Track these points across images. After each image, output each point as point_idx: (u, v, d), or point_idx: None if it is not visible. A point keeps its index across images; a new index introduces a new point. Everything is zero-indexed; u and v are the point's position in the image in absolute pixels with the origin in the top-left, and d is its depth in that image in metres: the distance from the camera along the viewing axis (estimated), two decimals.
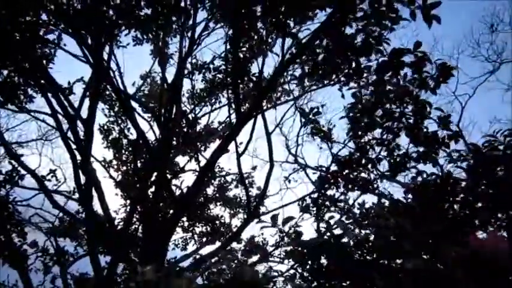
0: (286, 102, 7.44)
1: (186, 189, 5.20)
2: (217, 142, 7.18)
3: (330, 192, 5.47)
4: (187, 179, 5.69)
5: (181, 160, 7.44)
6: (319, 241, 2.02)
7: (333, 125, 5.12)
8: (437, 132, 3.78)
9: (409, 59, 3.41)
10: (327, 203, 5.57)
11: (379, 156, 4.46)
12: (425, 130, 3.77)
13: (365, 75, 3.69)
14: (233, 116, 5.91)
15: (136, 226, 6.20)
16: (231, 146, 4.87)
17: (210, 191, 7.72)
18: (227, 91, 5.09)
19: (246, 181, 7.41)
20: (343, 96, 4.06)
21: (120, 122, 6.98)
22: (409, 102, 3.66)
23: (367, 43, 3.41)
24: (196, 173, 7.23)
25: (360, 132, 4.04)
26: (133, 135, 6.83)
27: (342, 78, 3.95)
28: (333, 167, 5.01)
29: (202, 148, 7.04)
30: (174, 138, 6.03)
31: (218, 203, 7.83)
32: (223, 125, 7.32)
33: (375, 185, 5.02)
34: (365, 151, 4.29)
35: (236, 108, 4.50)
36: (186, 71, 5.95)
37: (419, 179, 3.32)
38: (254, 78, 4.91)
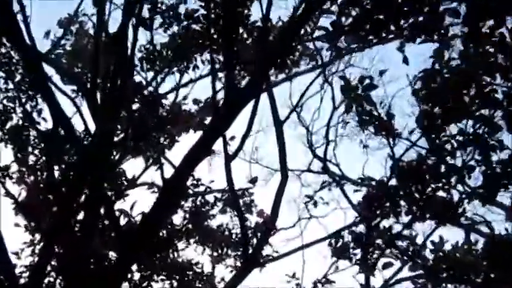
0: (310, 71, 7.53)
1: (140, 216, 5.24)
2: (193, 136, 7.27)
3: (384, 224, 5.54)
4: (141, 199, 5.71)
5: (131, 167, 7.50)
6: None
7: (389, 108, 5.17)
8: None
9: None
10: (379, 241, 5.65)
11: (469, 162, 4.52)
12: None
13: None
14: (220, 94, 5.92)
15: (53, 279, 6.23)
16: (217, 144, 4.92)
17: (179, 219, 7.81)
18: (210, 51, 5.11)
19: (241, 202, 7.52)
20: (405, 60, 4.10)
21: (24, 99, 6.99)
22: None
23: None
24: (157, 190, 7.36)
25: (437, 122, 4.12)
26: (47, 122, 6.88)
27: (405, 32, 4.00)
28: (391, 181, 5.07)
29: (167, 145, 7.12)
30: (119, 129, 6.05)
31: (192, 240, 7.91)
32: (202, 106, 7.40)
33: (461, 211, 5.06)
34: (445, 154, 4.35)
35: (226, 81, 4.56)
36: (140, 16, 5.98)
37: None
38: (255, 30, 4.97)
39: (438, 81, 3.84)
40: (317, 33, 5.97)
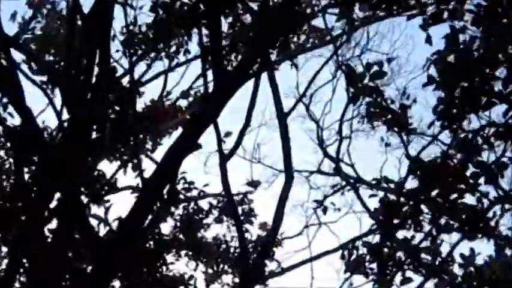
0: (320, 56, 7.54)
1: (118, 224, 5.30)
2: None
3: (403, 234, 5.56)
4: (120, 205, 5.75)
5: (109, 168, 7.57)
6: None
7: (410, 98, 5.18)
8: None
9: None
10: (399, 253, 5.66)
11: (502, 159, 4.52)
12: None
13: None
14: (210, 82, 5.94)
15: None
16: (208, 139, 4.97)
17: (166, 228, 7.87)
18: (199, 30, 5.15)
19: (240, 210, 7.56)
20: (429, 40, 4.12)
21: None
22: None
23: None
24: (138, 193, 7.45)
25: (462, 110, 4.12)
26: (14, 118, 6.91)
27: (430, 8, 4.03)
28: (410, 183, 5.08)
29: (149, 144, 7.19)
30: (96, 126, 6.11)
31: (184, 253, 7.97)
32: (192, 95, 7.46)
33: (493, 220, 5.06)
34: (472, 150, 4.36)
35: (212, 62, 4.60)
36: None
37: None
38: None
39: (455, 61, 3.84)
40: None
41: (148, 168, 6.01)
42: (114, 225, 5.46)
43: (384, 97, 4.87)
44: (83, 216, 5.08)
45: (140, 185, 7.91)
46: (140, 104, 6.73)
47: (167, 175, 4.79)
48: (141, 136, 6.80)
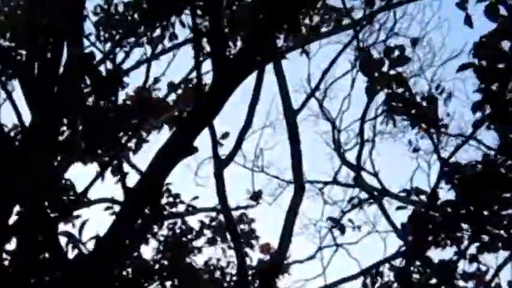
0: (337, 42, 7.58)
1: (95, 243, 5.35)
2: (168, 133, 7.40)
3: (437, 255, 5.66)
4: (94, 221, 5.79)
5: (81, 173, 7.64)
6: None
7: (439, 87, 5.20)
8: None
9: None
10: (434, 280, 5.72)
11: None
12: None
13: None
14: (207, 71, 6.04)
15: None
16: (204, 141, 5.03)
17: (148, 251, 7.90)
18: (191, 9, 5.22)
19: (239, 229, 7.60)
20: (468, 20, 4.17)
21: None
22: None
23: None
24: (115, 206, 7.48)
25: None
26: None
27: None
28: (444, 194, 5.15)
29: (132, 142, 7.31)
30: (65, 122, 6.19)
31: (169, 284, 8.01)
32: (181, 92, 7.53)
33: None
34: None
35: (211, 47, 4.63)
36: None
37: None
38: None
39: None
40: None
41: (131, 175, 6.12)
42: (89, 245, 5.49)
43: (408, 88, 4.83)
44: (50, 234, 5.11)
45: (119, 196, 8.09)
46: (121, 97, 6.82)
47: (154, 185, 4.82)
48: (121, 134, 6.87)
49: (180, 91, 7.53)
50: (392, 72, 4.69)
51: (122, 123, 6.85)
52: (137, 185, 4.77)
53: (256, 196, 8.26)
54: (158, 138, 7.43)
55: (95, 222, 5.88)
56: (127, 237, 5.07)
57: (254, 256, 8.17)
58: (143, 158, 7.66)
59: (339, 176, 9.72)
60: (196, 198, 8.21)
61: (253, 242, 8.27)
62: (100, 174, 7.38)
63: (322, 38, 7.91)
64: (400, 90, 4.85)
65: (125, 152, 7.02)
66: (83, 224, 5.31)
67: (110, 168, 7.16)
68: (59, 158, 6.38)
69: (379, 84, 4.77)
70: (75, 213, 7.04)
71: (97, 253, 4.94)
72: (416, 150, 8.76)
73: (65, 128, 6.27)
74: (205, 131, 5.99)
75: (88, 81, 5.44)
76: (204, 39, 5.24)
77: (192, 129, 4.55)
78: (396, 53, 4.73)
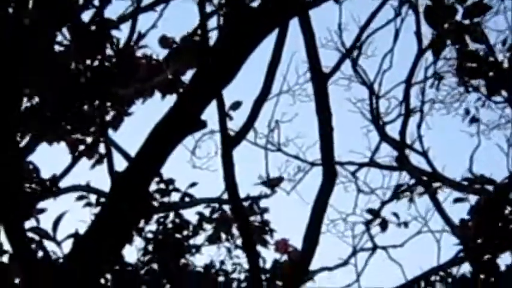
0: None
1: (73, 244, 5.36)
2: (161, 105, 7.37)
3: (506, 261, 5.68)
4: (71, 218, 5.82)
5: (53, 159, 7.67)
6: None
7: None
8: None
9: None
10: None
11: None
12: None
13: None
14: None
15: None
16: (209, 113, 5.02)
17: (132, 253, 7.97)
18: None
19: (256, 222, 7.60)
20: None
21: None
22: None
23: None
24: (96, 198, 7.49)
25: None
26: None
27: None
28: None
29: (112, 120, 7.26)
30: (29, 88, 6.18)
31: None
32: (177, 48, 7.54)
33: None
34: None
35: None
36: None
37: None
38: None
39: None
40: None
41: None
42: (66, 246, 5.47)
43: (487, 43, 4.81)
44: (15, 231, 5.12)
45: (93, 185, 8.07)
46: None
47: (149, 171, 4.79)
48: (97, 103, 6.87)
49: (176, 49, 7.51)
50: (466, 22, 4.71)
51: (97, 89, 6.84)
52: (128, 169, 4.77)
53: (273, 182, 8.22)
54: (146, 111, 7.45)
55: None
56: (114, 236, 5.05)
57: (267, 256, 8.17)
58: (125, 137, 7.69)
59: (377, 156, 9.59)
60: (194, 185, 8.23)
61: (267, 238, 8.30)
62: (73, 156, 7.45)
63: None
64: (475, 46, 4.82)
65: (102, 128, 7.00)
66: (59, 218, 5.30)
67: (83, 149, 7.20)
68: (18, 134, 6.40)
69: (449, 38, 4.78)
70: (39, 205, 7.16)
71: (76, 256, 4.95)
72: (475, 120, 8.73)
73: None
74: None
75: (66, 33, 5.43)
76: None
77: (199, 98, 4.54)
78: None
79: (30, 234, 5.26)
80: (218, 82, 4.67)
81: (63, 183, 7.79)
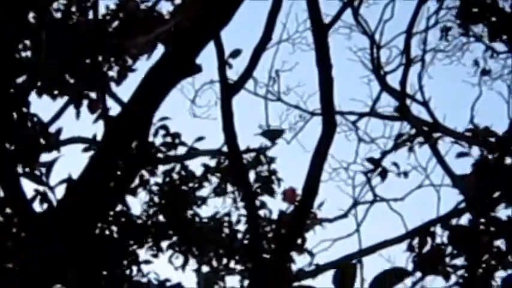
0: None
1: (66, 190, 5.31)
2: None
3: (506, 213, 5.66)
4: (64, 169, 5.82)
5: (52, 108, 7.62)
6: None
7: None
8: None
9: None
10: (499, 241, 5.68)
11: None
12: None
13: None
14: None
15: None
16: (205, 59, 4.91)
17: (137, 205, 7.99)
18: None
19: (253, 174, 7.58)
20: None
21: None
22: None
23: None
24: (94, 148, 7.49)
25: None
26: None
27: None
28: None
29: (114, 70, 7.22)
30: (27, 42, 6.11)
31: (166, 244, 8.07)
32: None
33: None
34: None
35: None
36: None
37: None
38: None
39: None
40: None
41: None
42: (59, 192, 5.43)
43: None
44: (9, 177, 5.07)
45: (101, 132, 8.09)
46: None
47: (142, 116, 4.73)
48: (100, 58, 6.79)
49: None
50: None
51: (100, 43, 6.77)
52: (121, 114, 4.71)
53: (274, 135, 8.17)
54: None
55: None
56: (109, 183, 5.00)
57: (274, 206, 8.14)
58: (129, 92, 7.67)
59: (378, 105, 9.65)
60: (201, 139, 8.19)
61: (275, 187, 8.29)
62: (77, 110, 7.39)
63: None
64: None
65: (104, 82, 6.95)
66: (51, 164, 5.25)
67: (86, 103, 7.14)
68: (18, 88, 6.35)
69: None
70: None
71: (69, 202, 4.90)
72: (486, 72, 8.64)
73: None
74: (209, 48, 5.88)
75: None
76: None
77: (194, 41, 4.44)
78: None
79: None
80: (213, 23, 4.60)
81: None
